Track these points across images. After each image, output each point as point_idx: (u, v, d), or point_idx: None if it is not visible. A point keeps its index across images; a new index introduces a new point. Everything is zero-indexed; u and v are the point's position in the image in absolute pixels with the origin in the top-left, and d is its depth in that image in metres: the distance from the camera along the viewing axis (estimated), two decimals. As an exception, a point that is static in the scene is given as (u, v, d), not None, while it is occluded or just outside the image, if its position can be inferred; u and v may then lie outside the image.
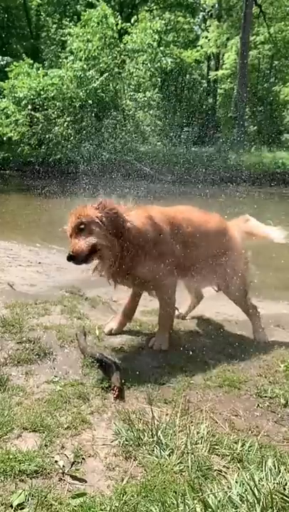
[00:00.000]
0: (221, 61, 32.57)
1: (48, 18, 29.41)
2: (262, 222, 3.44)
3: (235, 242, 3.26)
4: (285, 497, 1.48)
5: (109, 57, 17.71)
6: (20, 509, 1.53)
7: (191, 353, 2.87)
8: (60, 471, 1.73)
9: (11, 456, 1.75)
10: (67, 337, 2.86)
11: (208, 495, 1.53)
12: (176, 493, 1.58)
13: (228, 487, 1.61)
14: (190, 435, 1.93)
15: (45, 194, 11.74)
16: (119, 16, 19.44)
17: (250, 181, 14.76)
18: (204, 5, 31.18)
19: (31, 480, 1.66)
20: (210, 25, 31.49)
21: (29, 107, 17.65)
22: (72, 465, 1.77)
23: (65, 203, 9.49)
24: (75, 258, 2.58)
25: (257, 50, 29.74)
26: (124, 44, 18.44)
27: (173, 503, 1.52)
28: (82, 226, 2.61)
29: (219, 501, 1.51)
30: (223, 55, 31.49)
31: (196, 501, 1.51)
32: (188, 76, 32.22)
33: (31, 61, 19.02)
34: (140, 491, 1.60)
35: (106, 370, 2.48)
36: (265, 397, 2.37)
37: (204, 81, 35.66)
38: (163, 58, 19.54)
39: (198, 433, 1.96)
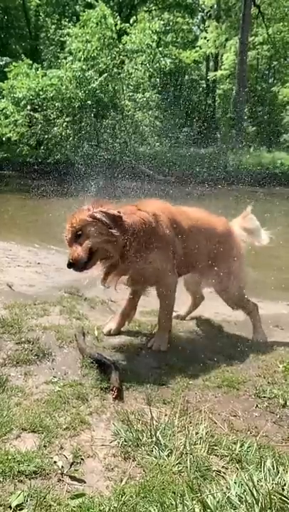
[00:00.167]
0: (219, 62, 32.59)
1: (47, 19, 29.38)
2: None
3: (231, 239, 3.27)
4: (283, 497, 1.48)
5: (108, 57, 17.70)
6: (19, 510, 1.53)
7: (189, 353, 2.87)
8: (59, 471, 1.73)
9: (9, 457, 1.75)
10: (66, 337, 2.86)
11: (206, 495, 1.53)
12: (174, 493, 1.58)
13: (226, 487, 1.61)
14: (189, 436, 1.93)
15: (44, 194, 11.73)
16: (118, 17, 19.44)
17: (249, 182, 14.76)
18: (203, 5, 31.16)
19: (30, 481, 1.66)
20: (209, 26, 31.49)
21: (28, 107, 17.63)
22: (71, 466, 1.77)
23: (64, 203, 9.49)
24: (74, 265, 2.59)
25: (256, 51, 29.77)
26: (123, 44, 18.43)
27: (172, 504, 1.53)
28: (80, 232, 2.60)
29: (218, 502, 1.51)
30: (222, 56, 31.50)
31: (194, 502, 1.52)
32: (187, 76, 32.25)
33: (30, 61, 19.01)
34: (139, 492, 1.60)
35: (105, 370, 2.48)
36: (264, 397, 2.38)
37: (203, 81, 35.65)
38: (162, 59, 19.54)
39: (197, 433, 1.96)
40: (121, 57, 18.39)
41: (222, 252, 3.16)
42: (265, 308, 3.52)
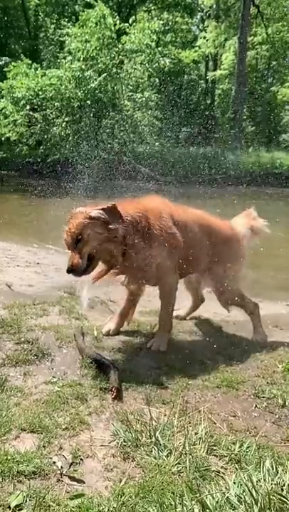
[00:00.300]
0: (219, 61, 32.58)
1: (46, 19, 29.36)
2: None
3: (232, 239, 3.27)
4: (282, 498, 1.48)
5: (108, 57, 17.69)
6: (19, 510, 1.52)
7: (189, 353, 2.87)
8: (58, 472, 1.72)
9: (9, 457, 1.75)
10: (65, 338, 2.86)
11: (206, 496, 1.53)
12: (174, 494, 1.58)
13: (226, 488, 1.61)
14: (188, 436, 1.93)
15: (43, 194, 11.73)
16: (117, 17, 19.40)
17: (248, 181, 14.78)
18: (202, 5, 31.16)
19: (29, 481, 1.66)
20: (208, 26, 31.49)
21: (27, 107, 17.62)
22: (70, 466, 1.77)
23: (63, 203, 9.49)
24: (74, 271, 2.59)
25: (255, 51, 29.75)
26: (123, 44, 18.43)
27: (171, 504, 1.53)
28: (79, 237, 2.59)
29: (217, 502, 1.51)
30: (221, 56, 31.49)
31: (194, 502, 1.52)
32: (186, 76, 32.24)
33: (29, 61, 18.99)
34: (138, 492, 1.60)
35: (104, 370, 2.48)
36: (263, 397, 2.38)
37: (202, 81, 35.64)
38: (161, 59, 19.54)
39: (196, 434, 1.96)
40: (120, 57, 18.39)
41: (223, 252, 3.15)
42: (265, 309, 3.52)
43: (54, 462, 1.77)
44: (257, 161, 19.64)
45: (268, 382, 2.54)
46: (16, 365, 2.54)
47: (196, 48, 31.44)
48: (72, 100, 17.35)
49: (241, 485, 1.59)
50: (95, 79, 17.25)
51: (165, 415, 2.13)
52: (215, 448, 1.91)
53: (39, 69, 18.47)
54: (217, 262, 3.15)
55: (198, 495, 1.53)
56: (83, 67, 17.34)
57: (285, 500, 1.47)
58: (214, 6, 30.61)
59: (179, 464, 1.78)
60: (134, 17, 20.08)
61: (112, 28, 17.83)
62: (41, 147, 18.11)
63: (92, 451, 1.88)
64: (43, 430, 1.96)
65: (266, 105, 29.65)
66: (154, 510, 1.51)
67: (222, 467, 1.80)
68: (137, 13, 25.57)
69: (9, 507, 1.52)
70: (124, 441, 1.92)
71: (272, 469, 1.72)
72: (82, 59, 17.50)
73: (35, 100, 17.51)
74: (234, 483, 1.62)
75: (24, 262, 5.65)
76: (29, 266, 5.44)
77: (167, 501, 1.54)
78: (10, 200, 12.87)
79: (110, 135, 17.51)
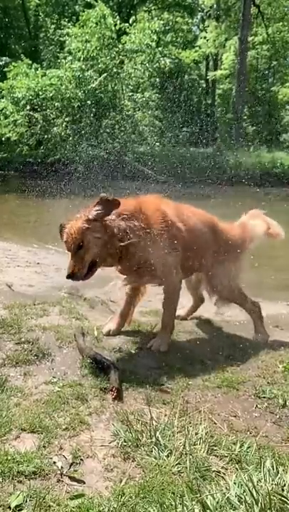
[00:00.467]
0: (219, 61, 32.60)
1: (46, 19, 29.40)
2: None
3: (233, 239, 3.26)
4: (283, 498, 1.48)
5: (108, 57, 17.71)
6: (19, 510, 1.52)
7: (189, 353, 2.87)
8: (59, 472, 1.72)
9: (9, 458, 1.75)
10: (65, 338, 2.85)
11: (206, 496, 1.53)
12: (174, 494, 1.58)
13: (226, 488, 1.61)
14: (188, 436, 1.93)
15: (43, 194, 11.73)
16: (117, 17, 19.43)
17: (249, 181, 14.77)
18: (203, 5, 31.17)
19: (29, 481, 1.66)
20: (208, 26, 31.53)
21: (28, 107, 17.64)
22: (70, 466, 1.77)
23: (63, 203, 9.49)
24: (73, 277, 2.60)
25: (255, 51, 29.78)
26: (123, 44, 18.44)
27: (171, 504, 1.52)
28: (81, 243, 2.58)
29: (217, 502, 1.51)
30: (222, 56, 31.52)
31: (194, 502, 1.51)
32: (186, 76, 32.25)
33: (30, 61, 19.02)
34: (138, 492, 1.60)
35: (104, 370, 2.48)
36: (264, 397, 2.37)
37: (203, 81, 35.67)
38: (161, 59, 19.57)
39: (196, 434, 1.96)
40: (120, 57, 18.41)
41: (225, 252, 3.15)
42: (265, 309, 3.51)
43: (54, 462, 1.77)
44: (257, 161, 19.63)
45: (268, 383, 2.53)
46: (16, 365, 2.54)
47: (197, 48, 31.49)
48: (72, 100, 17.36)
49: (242, 485, 1.59)
50: (96, 79, 17.28)
51: (165, 415, 2.13)
52: (215, 448, 1.90)
53: (39, 69, 18.51)
54: (219, 262, 3.14)
55: (198, 495, 1.53)
56: (83, 67, 17.36)
57: (285, 500, 1.47)
58: (215, 5, 30.63)
59: (179, 464, 1.78)
60: (134, 17, 20.13)
61: (113, 28, 17.86)
62: (41, 147, 18.13)
63: (93, 452, 1.88)
64: (43, 430, 1.96)
65: (267, 105, 29.66)
66: (154, 510, 1.51)
67: (222, 467, 1.80)
68: (137, 13, 25.62)
69: (9, 507, 1.52)
70: (125, 442, 1.92)
71: (273, 469, 1.72)
72: (82, 59, 17.53)
73: (35, 100, 17.53)
74: (235, 483, 1.62)
75: (24, 262, 5.66)
76: (29, 266, 5.45)
77: (167, 501, 1.54)
78: (10, 201, 12.89)
79: (111, 135, 17.51)
